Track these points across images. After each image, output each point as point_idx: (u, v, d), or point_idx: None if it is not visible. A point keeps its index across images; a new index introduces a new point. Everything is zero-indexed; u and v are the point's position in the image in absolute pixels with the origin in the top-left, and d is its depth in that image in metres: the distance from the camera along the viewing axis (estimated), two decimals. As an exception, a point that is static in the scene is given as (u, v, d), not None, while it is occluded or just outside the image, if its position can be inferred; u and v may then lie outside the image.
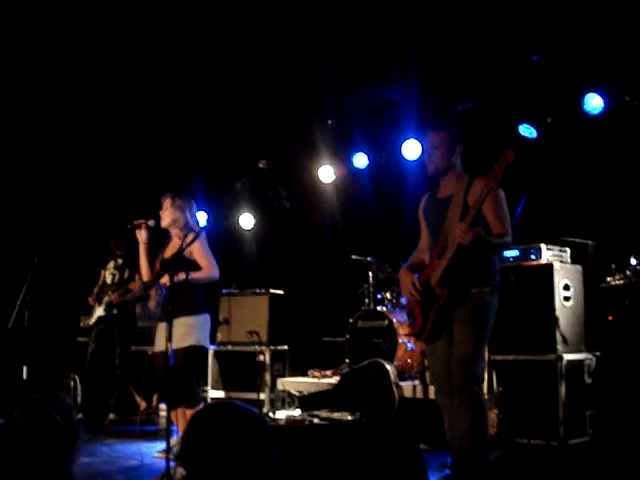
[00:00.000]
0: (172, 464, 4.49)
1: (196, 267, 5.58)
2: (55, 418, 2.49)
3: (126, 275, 7.56)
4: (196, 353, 5.52)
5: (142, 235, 5.70)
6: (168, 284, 5.27)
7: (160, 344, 5.56)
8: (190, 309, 5.50)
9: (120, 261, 7.70)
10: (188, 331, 5.42)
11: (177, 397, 5.23)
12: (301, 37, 7.52)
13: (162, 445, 5.81)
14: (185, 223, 5.68)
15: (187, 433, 2.20)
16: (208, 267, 5.60)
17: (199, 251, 5.60)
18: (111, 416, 7.53)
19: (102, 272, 7.80)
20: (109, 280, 7.69)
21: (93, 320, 7.64)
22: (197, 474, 2.14)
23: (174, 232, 5.73)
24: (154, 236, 5.79)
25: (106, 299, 7.55)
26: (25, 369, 6.16)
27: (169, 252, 5.70)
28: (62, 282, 7.92)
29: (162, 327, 5.62)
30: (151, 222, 5.68)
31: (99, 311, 7.61)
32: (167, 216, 5.70)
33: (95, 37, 7.71)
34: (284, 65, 7.89)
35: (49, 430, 2.47)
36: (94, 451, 5.77)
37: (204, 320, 5.62)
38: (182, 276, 5.31)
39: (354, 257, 7.55)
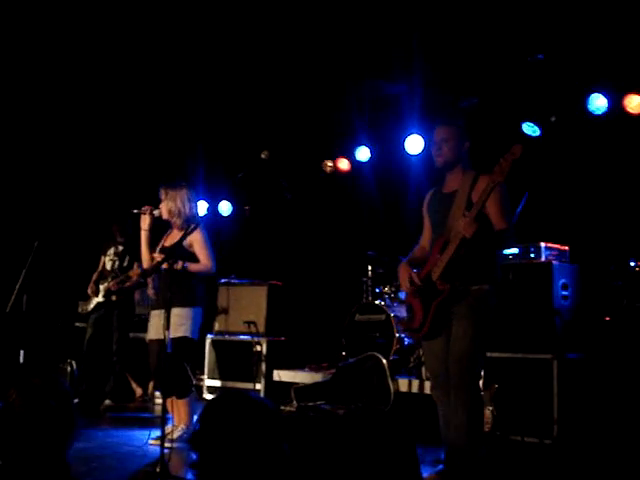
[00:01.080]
0: (166, 452, 4.52)
1: (194, 259, 5.62)
2: (52, 403, 2.50)
3: (126, 262, 7.57)
4: (187, 344, 5.56)
5: (145, 222, 5.75)
6: (164, 272, 5.32)
7: (153, 332, 5.61)
8: (186, 300, 5.54)
9: (120, 248, 7.71)
10: (181, 322, 5.45)
11: (170, 385, 5.25)
12: (305, 30, 7.50)
13: (157, 432, 5.85)
14: (180, 213, 5.71)
15: (202, 419, 2.21)
16: (205, 260, 5.66)
17: (199, 243, 5.66)
18: (107, 402, 7.55)
19: (102, 258, 7.81)
20: (108, 266, 7.70)
21: (91, 306, 7.66)
22: (209, 461, 2.15)
23: (173, 222, 5.77)
24: (158, 226, 5.82)
25: (105, 285, 7.57)
26: (22, 353, 6.18)
27: (169, 242, 5.73)
28: (61, 267, 7.92)
29: (155, 315, 5.70)
30: (156, 211, 5.73)
31: (98, 297, 7.63)
32: (163, 207, 5.75)
33: (94, 24, 7.68)
34: (288, 58, 7.87)
35: (46, 414, 2.49)
36: (89, 436, 5.78)
37: (197, 313, 5.66)
38: (179, 265, 5.35)
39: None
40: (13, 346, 6.31)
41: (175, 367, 5.35)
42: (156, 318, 5.61)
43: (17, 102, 8.50)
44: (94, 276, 7.73)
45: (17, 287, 6.28)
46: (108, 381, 7.67)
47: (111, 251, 7.76)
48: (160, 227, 5.92)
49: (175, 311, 5.22)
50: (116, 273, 7.55)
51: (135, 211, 5.80)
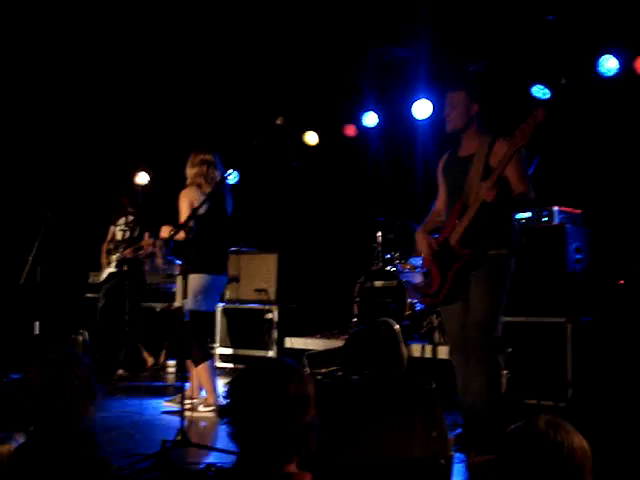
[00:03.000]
0: (185, 423, 4.54)
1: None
2: (72, 379, 2.50)
3: (136, 232, 7.55)
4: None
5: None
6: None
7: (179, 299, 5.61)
8: (201, 267, 5.51)
9: (131, 218, 7.69)
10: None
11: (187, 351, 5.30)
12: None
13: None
14: (203, 178, 5.64)
15: (233, 390, 2.21)
16: None
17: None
18: (120, 372, 7.58)
19: (111, 228, 7.79)
20: (119, 236, 7.69)
21: (104, 276, 7.66)
22: (242, 431, 2.15)
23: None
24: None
25: (117, 255, 7.56)
26: (37, 325, 6.19)
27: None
28: (72, 238, 7.90)
29: (179, 281, 5.70)
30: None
31: (110, 268, 7.62)
32: (188, 171, 5.68)
33: (107, 9, 7.64)
34: (294, 24, 7.79)
35: (67, 391, 2.49)
36: (105, 406, 5.82)
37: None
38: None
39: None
40: (28, 318, 6.32)
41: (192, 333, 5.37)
42: (180, 284, 5.66)
43: (27, 78, 8.46)
44: (104, 247, 7.72)
45: (30, 259, 6.27)
46: (121, 350, 7.69)
47: (121, 221, 7.74)
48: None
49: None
50: (127, 243, 7.55)
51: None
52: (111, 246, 7.72)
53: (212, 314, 5.76)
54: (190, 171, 5.68)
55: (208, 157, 5.68)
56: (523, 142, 3.86)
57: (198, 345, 5.58)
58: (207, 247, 5.57)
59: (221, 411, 5.29)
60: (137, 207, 7.65)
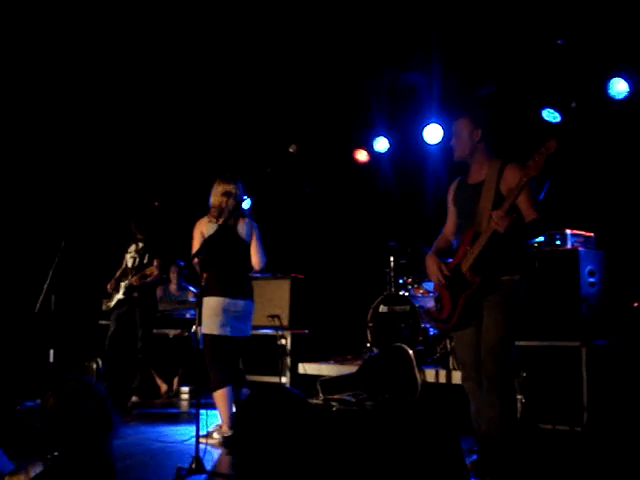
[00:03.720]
0: (200, 450, 4.53)
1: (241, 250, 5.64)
2: (91, 406, 2.52)
3: (146, 259, 7.58)
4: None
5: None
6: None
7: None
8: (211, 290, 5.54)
9: (141, 245, 7.70)
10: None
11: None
12: (321, 21, 7.48)
13: (186, 428, 5.90)
14: (236, 206, 5.67)
15: (237, 422, 2.21)
16: (261, 255, 5.71)
17: (255, 238, 5.73)
18: (134, 399, 7.56)
19: (125, 256, 7.82)
20: (130, 264, 7.71)
21: (113, 303, 7.66)
22: (248, 462, 2.15)
23: (220, 215, 5.66)
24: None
25: (126, 282, 7.58)
26: (52, 352, 6.21)
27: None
28: (87, 266, 7.94)
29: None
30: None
31: (118, 294, 7.64)
32: (212, 199, 5.68)
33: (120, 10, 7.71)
34: (307, 52, 7.86)
35: (85, 417, 2.50)
36: (120, 434, 5.80)
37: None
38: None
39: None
40: (43, 346, 6.35)
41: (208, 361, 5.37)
42: None
43: (47, 100, 8.54)
44: (117, 273, 7.76)
45: (45, 287, 6.31)
46: (134, 378, 7.68)
47: (132, 248, 7.76)
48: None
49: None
50: (137, 270, 7.57)
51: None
52: (122, 273, 7.74)
53: (238, 340, 5.64)
54: (213, 200, 5.70)
55: (231, 188, 5.69)
56: (535, 173, 3.86)
57: (216, 371, 5.56)
58: (219, 272, 5.60)
59: (225, 441, 5.30)
60: (147, 233, 7.67)
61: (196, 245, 5.50)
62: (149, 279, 7.49)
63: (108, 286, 7.67)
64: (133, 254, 7.72)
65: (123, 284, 7.62)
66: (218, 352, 5.52)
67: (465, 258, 4.18)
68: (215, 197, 5.66)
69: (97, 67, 8.31)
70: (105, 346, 7.60)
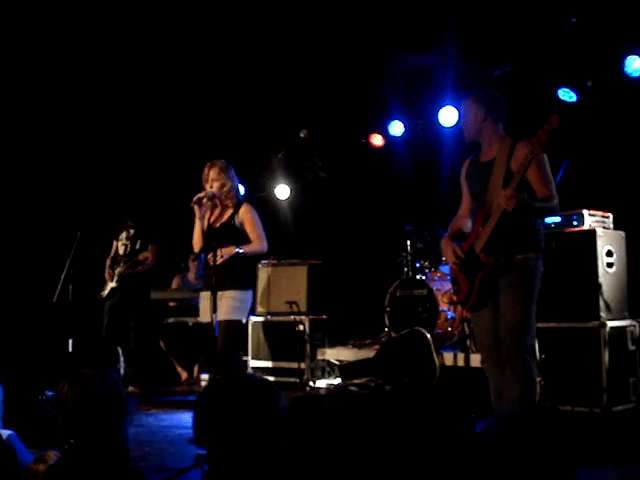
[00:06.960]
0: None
1: (245, 238, 5.54)
2: (104, 392, 2.53)
3: (137, 245, 7.56)
4: (239, 327, 5.54)
5: (201, 210, 5.49)
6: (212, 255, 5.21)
7: (205, 315, 5.43)
8: (239, 283, 5.48)
9: (132, 231, 7.67)
10: (236, 305, 5.40)
11: (220, 367, 5.25)
12: (338, 5, 7.44)
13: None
14: (234, 191, 5.62)
15: (197, 412, 2.18)
16: (259, 239, 5.56)
17: (251, 222, 5.56)
18: (130, 389, 7.37)
19: (114, 243, 7.78)
20: (121, 251, 7.65)
21: (106, 292, 7.63)
22: (215, 454, 2.13)
23: (222, 200, 5.60)
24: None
25: (118, 270, 7.55)
26: (71, 342, 6.24)
27: (218, 222, 5.59)
28: (103, 255, 7.94)
29: (205, 297, 5.45)
30: (210, 191, 5.47)
31: (112, 282, 7.60)
32: (215, 184, 5.50)
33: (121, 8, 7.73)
34: (320, 36, 7.82)
35: (100, 404, 2.52)
36: (139, 421, 5.85)
37: (250, 296, 5.64)
38: (232, 250, 5.31)
39: None
40: (61, 336, 6.38)
41: (226, 348, 5.32)
42: (206, 300, 5.33)
43: (55, 96, 8.59)
44: (107, 261, 7.70)
45: (62, 277, 6.35)
46: (128, 368, 7.61)
47: (123, 235, 7.70)
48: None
49: (228, 293, 5.26)
50: (128, 257, 7.54)
51: (191, 204, 5.43)
52: (114, 261, 7.70)
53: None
54: (206, 186, 5.56)
55: (223, 175, 5.56)
56: (539, 150, 3.84)
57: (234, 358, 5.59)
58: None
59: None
60: (137, 219, 7.64)
61: (197, 236, 5.51)
62: (143, 265, 7.46)
63: (106, 275, 7.63)
64: (124, 241, 7.67)
65: (116, 272, 7.57)
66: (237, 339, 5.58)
67: (478, 239, 4.17)
68: (209, 183, 5.55)
69: (98, 60, 8.35)
70: (102, 337, 7.57)
